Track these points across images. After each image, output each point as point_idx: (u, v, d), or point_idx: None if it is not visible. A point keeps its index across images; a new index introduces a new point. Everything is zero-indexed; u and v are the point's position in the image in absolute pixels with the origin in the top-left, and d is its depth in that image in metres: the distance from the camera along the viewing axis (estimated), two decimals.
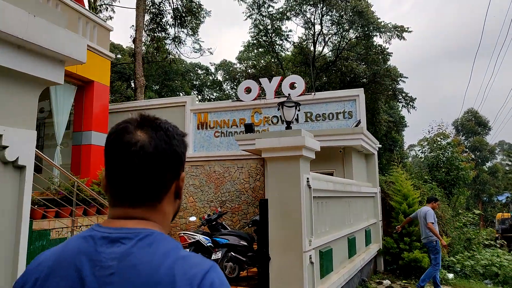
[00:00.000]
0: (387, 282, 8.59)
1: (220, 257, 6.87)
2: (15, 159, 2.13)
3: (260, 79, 11.46)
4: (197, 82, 31.65)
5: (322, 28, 22.37)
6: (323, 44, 23.60)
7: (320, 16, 21.90)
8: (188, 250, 6.57)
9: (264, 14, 22.71)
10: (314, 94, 10.47)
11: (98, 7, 18.95)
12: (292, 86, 10.52)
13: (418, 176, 12.80)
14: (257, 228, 6.42)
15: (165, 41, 19.53)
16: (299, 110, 5.40)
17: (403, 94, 22.60)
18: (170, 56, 19.50)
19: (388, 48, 21.51)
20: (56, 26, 2.22)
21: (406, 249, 9.23)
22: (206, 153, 10.83)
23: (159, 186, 0.92)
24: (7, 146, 2.08)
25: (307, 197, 5.05)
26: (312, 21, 22.69)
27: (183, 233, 7.50)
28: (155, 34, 18.74)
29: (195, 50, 22.73)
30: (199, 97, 31.38)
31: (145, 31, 18.61)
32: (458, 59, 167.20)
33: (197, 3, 18.82)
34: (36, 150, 6.67)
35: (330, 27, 22.57)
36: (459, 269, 9.82)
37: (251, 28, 23.55)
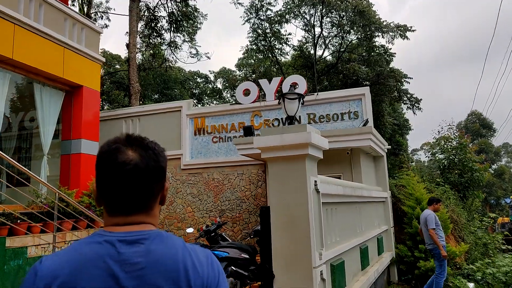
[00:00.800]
0: None
1: None
2: None
3: (259, 80, 10.83)
4: (196, 91, 31.21)
5: (322, 30, 21.84)
6: (324, 47, 23.07)
7: (320, 18, 21.37)
8: None
9: (262, 18, 22.19)
10: (317, 94, 9.84)
11: (92, 15, 18.54)
12: (293, 86, 9.90)
13: (429, 178, 12.12)
14: (258, 240, 5.79)
15: (161, 47, 19.04)
16: (303, 103, 4.74)
17: (408, 96, 21.91)
18: (167, 62, 19.01)
19: (391, 49, 20.95)
20: None
21: (422, 258, 8.56)
22: (204, 160, 10.18)
23: (151, 196, 1.12)
24: None
25: (315, 203, 4.33)
26: (312, 23, 22.19)
27: None
28: (151, 40, 18.24)
29: (192, 55, 22.21)
30: (199, 105, 30.89)
31: (141, 37, 18.13)
32: (458, 62, 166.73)
33: (193, 6, 18.35)
34: (16, 163, 6.06)
35: (331, 29, 22.02)
36: (480, 277, 9.10)
37: (250, 33, 23.05)
